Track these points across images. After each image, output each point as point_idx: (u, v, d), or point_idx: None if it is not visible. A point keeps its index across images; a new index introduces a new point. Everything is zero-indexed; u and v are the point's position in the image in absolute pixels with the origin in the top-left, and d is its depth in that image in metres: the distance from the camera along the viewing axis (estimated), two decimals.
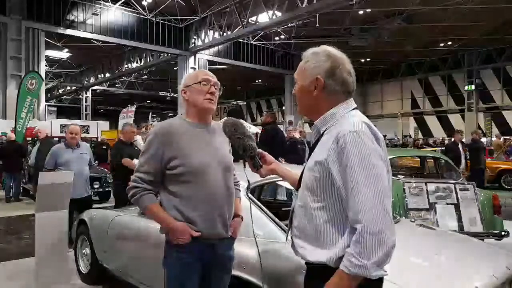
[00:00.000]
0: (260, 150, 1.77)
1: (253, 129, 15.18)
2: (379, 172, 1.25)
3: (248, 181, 1.86)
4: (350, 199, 1.25)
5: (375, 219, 1.20)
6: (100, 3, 16.99)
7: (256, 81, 29.60)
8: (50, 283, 3.48)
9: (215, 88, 1.94)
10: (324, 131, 1.41)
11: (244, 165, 1.78)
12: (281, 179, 1.91)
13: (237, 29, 16.81)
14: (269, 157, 1.78)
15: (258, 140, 6.43)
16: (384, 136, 16.20)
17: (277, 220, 2.34)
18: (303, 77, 1.45)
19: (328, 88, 1.40)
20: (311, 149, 1.46)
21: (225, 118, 1.97)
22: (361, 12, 16.30)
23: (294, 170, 1.77)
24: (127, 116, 20.67)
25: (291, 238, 1.49)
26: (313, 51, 1.46)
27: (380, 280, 1.30)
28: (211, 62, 20.80)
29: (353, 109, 1.42)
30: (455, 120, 25.11)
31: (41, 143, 7.75)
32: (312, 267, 1.39)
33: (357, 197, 1.23)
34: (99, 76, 26.89)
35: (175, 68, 21.21)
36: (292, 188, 1.74)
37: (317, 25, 16.45)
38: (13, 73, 14.44)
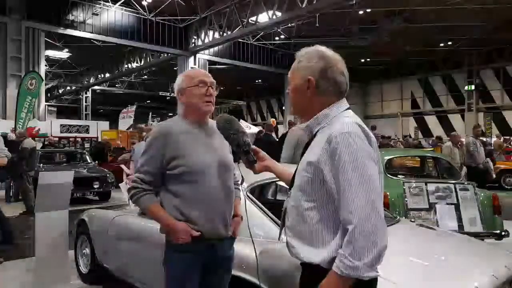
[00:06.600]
0: (254, 147, 1.76)
1: (254, 129, 15.18)
2: (371, 173, 1.26)
3: (242, 177, 1.85)
4: (341, 200, 1.25)
5: (366, 219, 1.20)
6: (100, 3, 16.97)
7: (256, 81, 29.56)
8: (50, 283, 3.48)
9: (212, 89, 1.93)
10: (317, 132, 1.41)
11: (238, 160, 1.78)
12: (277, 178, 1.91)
13: (237, 29, 16.80)
14: (263, 153, 1.78)
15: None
16: (388, 136, 15.94)
17: (275, 218, 2.34)
18: (296, 77, 1.45)
19: (320, 89, 1.40)
20: (304, 149, 1.46)
21: (220, 114, 1.96)
22: (361, 12, 16.29)
23: (290, 169, 1.76)
24: (127, 116, 20.67)
25: (286, 237, 1.49)
26: (306, 51, 1.46)
27: (374, 280, 1.30)
28: (211, 62, 20.77)
29: (346, 109, 1.42)
30: (455, 120, 25.11)
31: None
32: (307, 267, 1.39)
33: (348, 198, 1.23)
34: (99, 76, 26.87)
35: (175, 68, 21.18)
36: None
37: (317, 25, 16.43)
38: (13, 73, 14.43)
